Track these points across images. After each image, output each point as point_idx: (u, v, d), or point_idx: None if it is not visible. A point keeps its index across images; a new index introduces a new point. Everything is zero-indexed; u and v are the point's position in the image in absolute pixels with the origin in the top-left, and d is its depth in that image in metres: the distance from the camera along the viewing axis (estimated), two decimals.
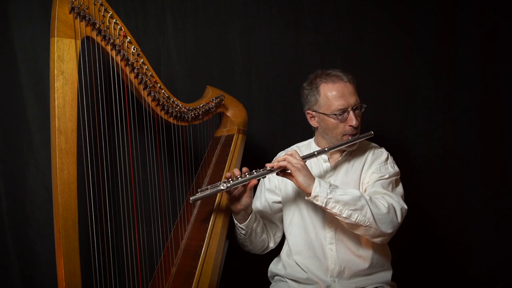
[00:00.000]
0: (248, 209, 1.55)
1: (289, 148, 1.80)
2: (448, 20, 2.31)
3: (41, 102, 1.75)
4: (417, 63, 2.31)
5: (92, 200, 1.32)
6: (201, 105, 1.68)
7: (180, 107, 1.59)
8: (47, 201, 1.75)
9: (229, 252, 1.64)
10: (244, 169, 1.49)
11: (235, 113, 1.86)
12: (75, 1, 1.24)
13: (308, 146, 1.76)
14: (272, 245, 1.72)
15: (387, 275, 1.64)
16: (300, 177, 1.43)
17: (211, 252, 1.49)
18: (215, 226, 1.55)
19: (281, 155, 1.76)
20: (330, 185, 1.45)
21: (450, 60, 2.32)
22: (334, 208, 1.43)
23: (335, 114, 1.56)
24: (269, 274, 1.78)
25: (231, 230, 1.63)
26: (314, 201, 1.44)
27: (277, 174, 1.49)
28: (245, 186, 1.48)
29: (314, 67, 2.16)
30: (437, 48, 2.31)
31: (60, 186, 1.19)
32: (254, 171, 1.48)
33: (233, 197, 1.51)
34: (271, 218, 1.73)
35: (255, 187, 1.62)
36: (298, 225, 1.66)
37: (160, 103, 1.52)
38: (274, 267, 1.75)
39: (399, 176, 1.64)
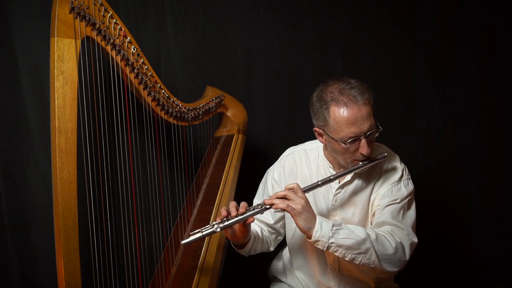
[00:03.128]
0: (245, 239, 1.47)
1: (296, 149, 1.68)
2: (448, 20, 2.31)
3: (41, 102, 1.75)
4: (417, 63, 2.31)
5: (92, 200, 1.32)
6: (201, 105, 1.68)
7: (180, 107, 1.59)
8: (47, 201, 1.75)
9: (229, 252, 1.64)
10: (242, 205, 1.36)
11: (235, 113, 1.86)
12: (75, 1, 1.24)
13: (316, 151, 1.61)
14: (272, 249, 1.69)
15: (390, 284, 1.64)
16: (301, 221, 1.31)
17: (211, 252, 1.49)
18: None
19: (287, 153, 1.67)
20: (332, 226, 1.33)
21: (450, 60, 2.32)
22: (337, 252, 1.33)
23: (344, 143, 1.38)
24: (269, 275, 1.78)
25: None
26: (315, 245, 1.34)
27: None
28: (241, 223, 1.36)
29: (314, 67, 2.19)
30: (437, 48, 2.31)
31: (60, 186, 1.19)
32: (251, 207, 1.36)
33: (230, 230, 1.39)
34: (273, 226, 1.66)
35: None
36: (301, 240, 1.58)
37: (160, 103, 1.52)
38: (275, 269, 1.74)
39: (412, 195, 1.52)
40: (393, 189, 1.48)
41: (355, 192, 1.52)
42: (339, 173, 1.45)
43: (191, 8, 2.04)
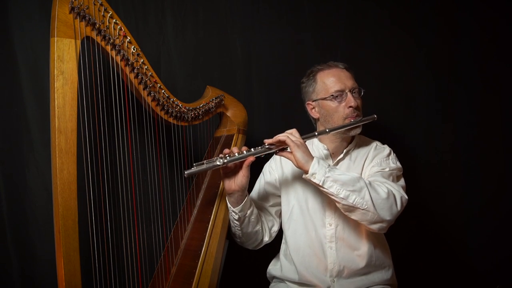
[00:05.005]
0: (243, 192, 1.52)
1: None
2: (448, 20, 2.31)
3: (41, 102, 1.75)
4: (417, 63, 2.31)
5: (92, 200, 1.32)
6: (201, 105, 1.68)
7: (180, 107, 1.59)
8: (47, 201, 1.75)
9: (229, 252, 1.64)
10: (244, 148, 1.48)
11: (235, 113, 1.86)
12: (75, 1, 1.24)
13: (310, 142, 1.70)
14: (266, 239, 1.70)
15: (387, 274, 1.62)
16: (299, 154, 1.41)
17: (211, 252, 1.49)
18: (215, 226, 1.55)
19: None
20: (328, 165, 1.43)
21: (450, 59, 2.32)
22: (332, 188, 1.39)
23: (332, 95, 1.57)
24: (267, 275, 1.78)
25: (231, 230, 1.63)
26: (312, 179, 1.40)
27: (275, 153, 1.47)
28: (241, 163, 1.47)
29: None
30: (437, 47, 2.31)
31: (60, 186, 1.19)
32: (252, 148, 1.48)
33: (229, 174, 1.48)
34: (269, 210, 1.71)
35: (252, 169, 1.56)
36: (297, 221, 1.64)
37: (160, 103, 1.53)
38: (273, 267, 1.75)
39: (401, 173, 1.61)
40: (382, 162, 1.60)
41: (348, 170, 1.61)
42: (335, 128, 1.56)
43: (191, 8, 2.04)
